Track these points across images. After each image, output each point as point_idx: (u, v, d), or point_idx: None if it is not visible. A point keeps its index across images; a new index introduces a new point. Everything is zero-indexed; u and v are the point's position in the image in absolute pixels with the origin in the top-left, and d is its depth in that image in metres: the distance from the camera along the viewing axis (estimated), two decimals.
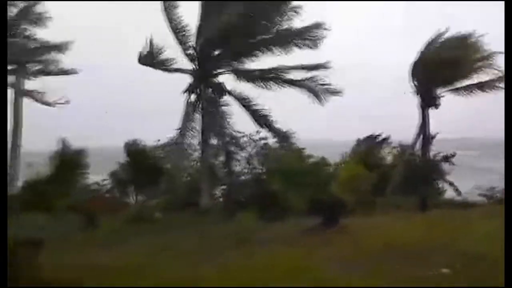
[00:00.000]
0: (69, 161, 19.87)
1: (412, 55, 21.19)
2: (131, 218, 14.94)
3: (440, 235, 9.20)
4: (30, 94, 18.27)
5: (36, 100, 18.53)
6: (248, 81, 18.80)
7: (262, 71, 18.71)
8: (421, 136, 21.30)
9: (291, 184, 17.48)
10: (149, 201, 20.53)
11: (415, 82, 21.26)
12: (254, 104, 18.96)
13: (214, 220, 14.68)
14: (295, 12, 17.78)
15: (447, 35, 20.98)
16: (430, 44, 21.26)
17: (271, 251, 8.71)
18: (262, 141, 20.83)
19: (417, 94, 21.16)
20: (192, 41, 18.52)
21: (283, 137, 19.00)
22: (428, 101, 20.97)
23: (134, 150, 21.45)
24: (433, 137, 21.84)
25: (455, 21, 26.93)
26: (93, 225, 13.44)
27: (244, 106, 19.04)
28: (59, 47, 19.34)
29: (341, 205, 13.87)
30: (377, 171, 21.01)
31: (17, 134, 15.42)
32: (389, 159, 26.02)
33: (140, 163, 20.75)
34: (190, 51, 18.66)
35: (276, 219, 13.77)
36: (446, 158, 24.68)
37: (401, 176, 21.16)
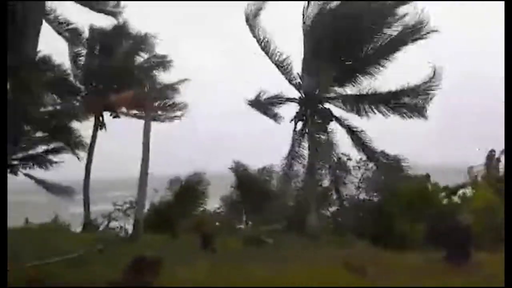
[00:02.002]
0: (189, 188, 20.76)
1: None
2: (244, 241, 14.84)
3: None
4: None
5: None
6: (355, 107, 18.03)
7: (369, 96, 17.82)
8: None
9: (409, 210, 15.77)
10: (260, 225, 20.38)
11: None
12: (360, 131, 18.13)
13: (325, 245, 13.83)
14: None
15: None
16: None
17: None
18: (373, 166, 19.59)
19: None
20: (296, 70, 18.51)
21: (393, 162, 17.74)
22: None
23: (244, 175, 21.64)
24: None
25: None
26: (210, 246, 13.57)
27: (350, 132, 18.28)
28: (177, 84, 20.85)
29: (470, 236, 11.85)
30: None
31: (146, 162, 16.52)
32: None
33: (250, 187, 20.87)
34: (296, 80, 18.63)
35: (392, 248, 12.42)
36: None
37: None
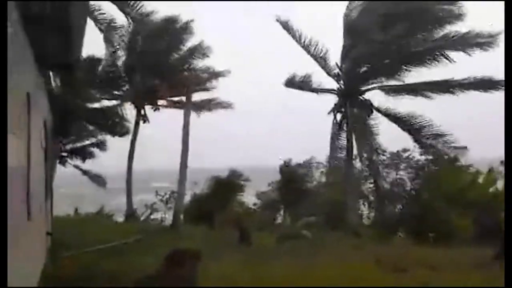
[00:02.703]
0: (227, 182, 20.82)
1: None
2: (282, 235, 14.61)
3: None
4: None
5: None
6: (398, 96, 17.22)
7: (411, 85, 16.94)
8: None
9: (455, 204, 14.85)
10: (299, 220, 20.12)
11: None
12: (405, 118, 17.22)
13: (366, 241, 13.34)
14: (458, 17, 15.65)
15: None
16: None
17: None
18: (415, 158, 18.79)
19: None
20: (336, 61, 17.99)
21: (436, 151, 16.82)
22: None
23: (287, 170, 21.39)
24: None
25: None
26: (247, 240, 13.48)
27: (395, 121, 17.47)
28: (220, 74, 20.82)
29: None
30: None
31: (186, 154, 16.68)
32: None
33: (291, 182, 20.61)
34: (336, 71, 18.12)
35: (438, 244, 11.75)
36: None
37: None
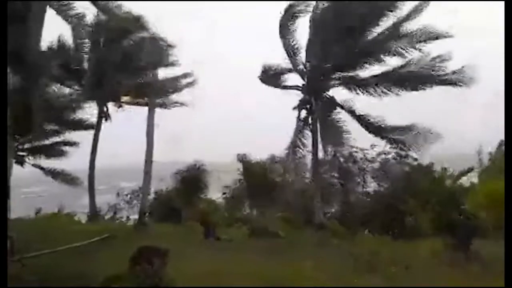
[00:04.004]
0: (192, 178, 20.52)
1: None
2: (252, 232, 14.53)
3: None
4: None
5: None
6: (362, 90, 17.51)
7: (377, 77, 17.23)
8: None
9: (418, 201, 15.29)
10: (265, 215, 20.12)
11: None
12: (368, 115, 17.55)
13: (334, 239, 13.46)
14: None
15: None
16: None
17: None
18: (381, 156, 19.12)
19: None
20: (301, 57, 18.09)
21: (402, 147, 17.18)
22: None
23: (249, 164, 21.31)
24: None
25: None
26: (214, 235, 13.36)
27: (357, 118, 17.76)
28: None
29: (473, 227, 11.56)
30: None
31: (151, 150, 16.28)
32: None
33: (255, 177, 20.54)
34: (300, 67, 18.23)
35: (403, 239, 12.07)
36: None
37: None
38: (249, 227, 15.68)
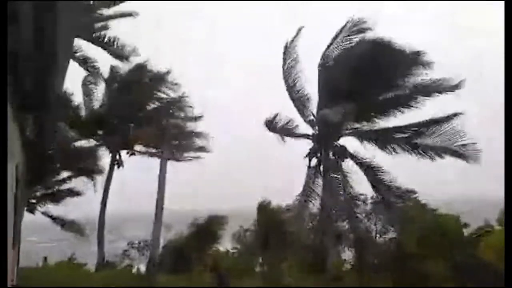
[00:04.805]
0: (205, 228, 20.01)
1: None
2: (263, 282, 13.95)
3: None
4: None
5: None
6: (371, 142, 17.46)
7: (386, 130, 17.27)
8: None
9: (430, 247, 14.66)
10: (277, 265, 19.34)
11: None
12: (374, 167, 17.40)
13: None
14: (428, 66, 16.16)
15: None
16: None
17: None
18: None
19: None
20: (311, 107, 18.23)
21: (402, 196, 16.93)
22: None
23: (267, 211, 20.62)
24: None
25: None
26: (226, 283, 12.82)
27: (364, 169, 17.60)
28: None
29: (492, 271, 10.91)
30: None
31: (162, 199, 16.14)
32: None
33: (269, 226, 19.91)
34: (311, 117, 18.33)
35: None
36: None
37: None
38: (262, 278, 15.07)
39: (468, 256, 13.34)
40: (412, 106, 16.69)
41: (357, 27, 16.95)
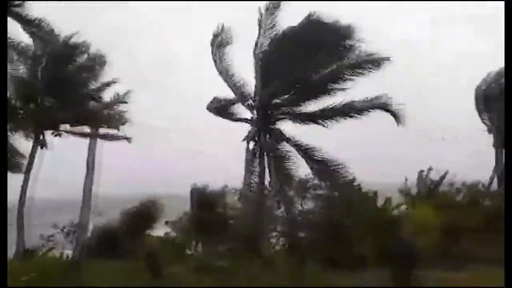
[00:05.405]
0: (139, 213, 19.20)
1: None
2: (196, 267, 13.69)
3: None
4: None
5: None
6: (307, 123, 17.77)
7: (322, 111, 17.55)
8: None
9: (363, 230, 15.36)
10: (213, 249, 19.16)
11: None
12: (310, 149, 17.72)
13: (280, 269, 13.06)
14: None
15: None
16: None
17: None
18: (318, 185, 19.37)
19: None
20: (250, 92, 18.12)
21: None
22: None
23: (202, 196, 20.24)
24: None
25: None
26: (158, 272, 12.41)
27: (301, 151, 17.91)
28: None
29: (414, 255, 11.60)
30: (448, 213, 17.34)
31: (90, 181, 15.14)
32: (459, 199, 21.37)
33: (205, 209, 19.62)
34: (249, 102, 18.26)
35: (348, 270, 11.92)
36: None
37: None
38: (196, 262, 14.78)
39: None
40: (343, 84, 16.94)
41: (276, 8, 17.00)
